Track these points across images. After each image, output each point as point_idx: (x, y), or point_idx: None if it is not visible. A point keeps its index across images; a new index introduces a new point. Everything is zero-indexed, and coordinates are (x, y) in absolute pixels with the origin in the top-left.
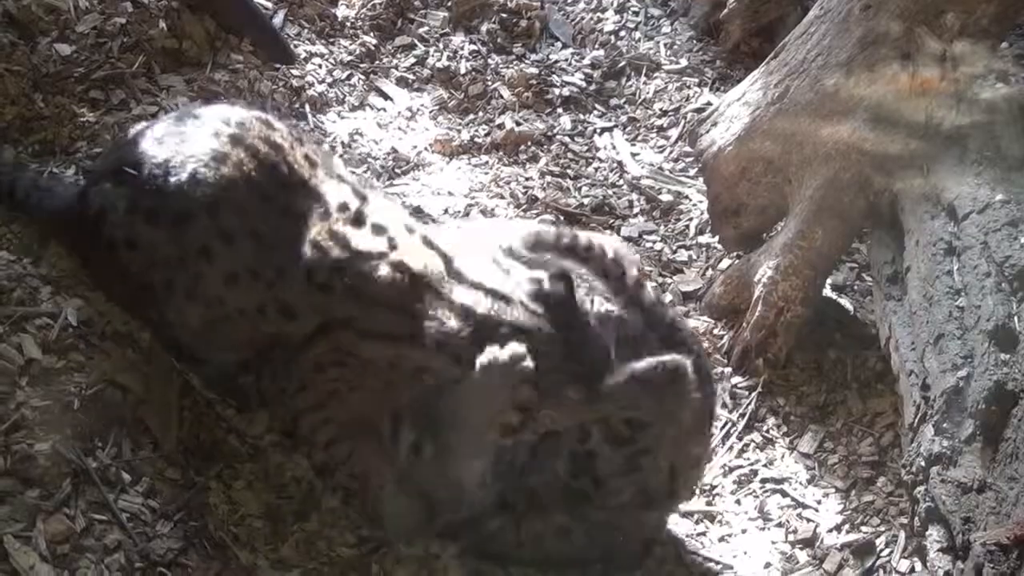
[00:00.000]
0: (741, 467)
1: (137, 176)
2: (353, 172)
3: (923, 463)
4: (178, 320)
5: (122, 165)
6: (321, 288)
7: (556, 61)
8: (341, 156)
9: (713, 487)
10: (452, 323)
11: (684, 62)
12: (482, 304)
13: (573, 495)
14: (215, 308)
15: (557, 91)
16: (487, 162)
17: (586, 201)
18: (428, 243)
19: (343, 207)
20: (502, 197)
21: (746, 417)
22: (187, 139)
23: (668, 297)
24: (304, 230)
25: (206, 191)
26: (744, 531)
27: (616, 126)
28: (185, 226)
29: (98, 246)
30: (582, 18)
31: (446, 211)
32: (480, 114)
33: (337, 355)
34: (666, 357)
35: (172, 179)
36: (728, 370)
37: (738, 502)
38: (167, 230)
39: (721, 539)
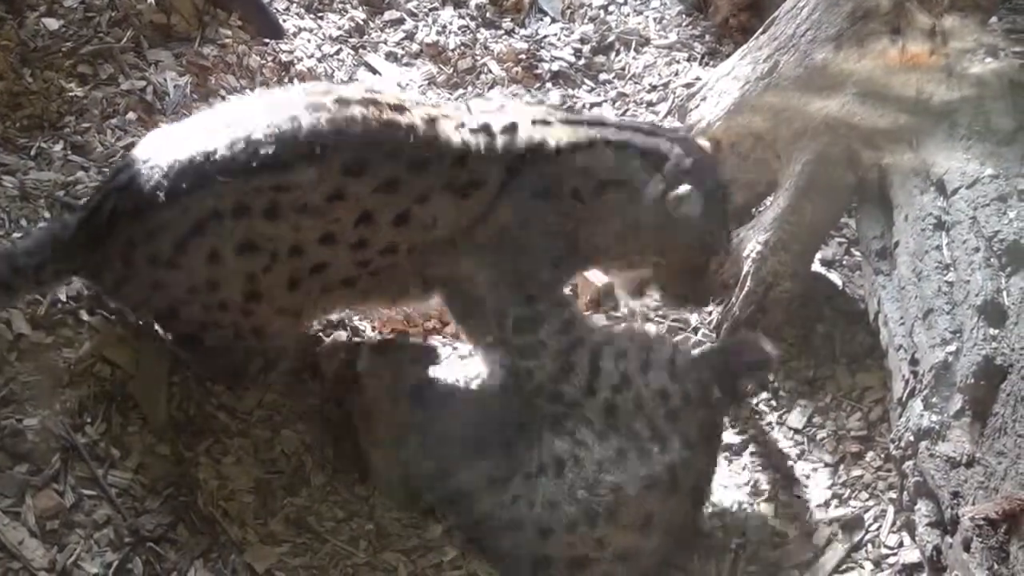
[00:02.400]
0: (731, 442)
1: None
2: None
3: (912, 438)
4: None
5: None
6: None
7: (545, 36)
8: None
9: None
10: None
11: (673, 37)
12: None
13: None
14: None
15: (546, 66)
16: None
17: None
18: None
19: None
20: None
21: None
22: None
23: None
24: None
25: None
26: (734, 506)
27: (605, 101)
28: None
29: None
30: None
31: None
32: (469, 89)
33: None
34: None
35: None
36: None
37: (729, 477)
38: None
39: (712, 514)
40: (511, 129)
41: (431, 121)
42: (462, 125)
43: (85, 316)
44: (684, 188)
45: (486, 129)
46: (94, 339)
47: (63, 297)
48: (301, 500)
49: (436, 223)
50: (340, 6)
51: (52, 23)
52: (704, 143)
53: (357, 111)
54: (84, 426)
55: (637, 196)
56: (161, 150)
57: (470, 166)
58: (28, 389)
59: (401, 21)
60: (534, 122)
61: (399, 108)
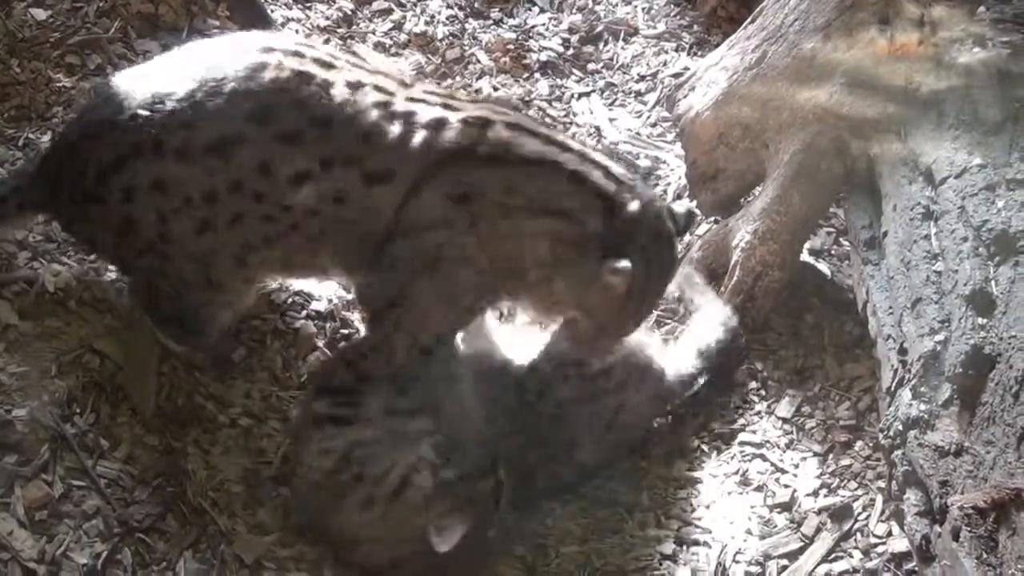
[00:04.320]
0: (720, 432)
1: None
2: None
3: (900, 427)
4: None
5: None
6: None
7: (534, 26)
8: None
9: (693, 451)
10: None
11: (662, 27)
12: None
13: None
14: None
15: (535, 56)
16: None
17: None
18: None
19: None
20: None
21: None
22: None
23: None
24: None
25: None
26: (723, 495)
27: (594, 91)
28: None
29: (103, 198)
30: None
31: None
32: (458, 79)
33: None
34: None
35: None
36: None
37: (718, 466)
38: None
39: (701, 504)
40: (437, 125)
41: (355, 85)
42: (386, 105)
43: (74, 307)
44: (623, 263)
45: (407, 117)
46: (83, 330)
47: (51, 288)
48: (289, 490)
49: (344, 202)
50: None
51: (40, 13)
52: (680, 208)
53: (275, 58)
54: (73, 417)
55: (574, 236)
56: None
57: (374, 151)
58: (17, 380)
59: (389, 11)
60: (471, 122)
61: (326, 64)
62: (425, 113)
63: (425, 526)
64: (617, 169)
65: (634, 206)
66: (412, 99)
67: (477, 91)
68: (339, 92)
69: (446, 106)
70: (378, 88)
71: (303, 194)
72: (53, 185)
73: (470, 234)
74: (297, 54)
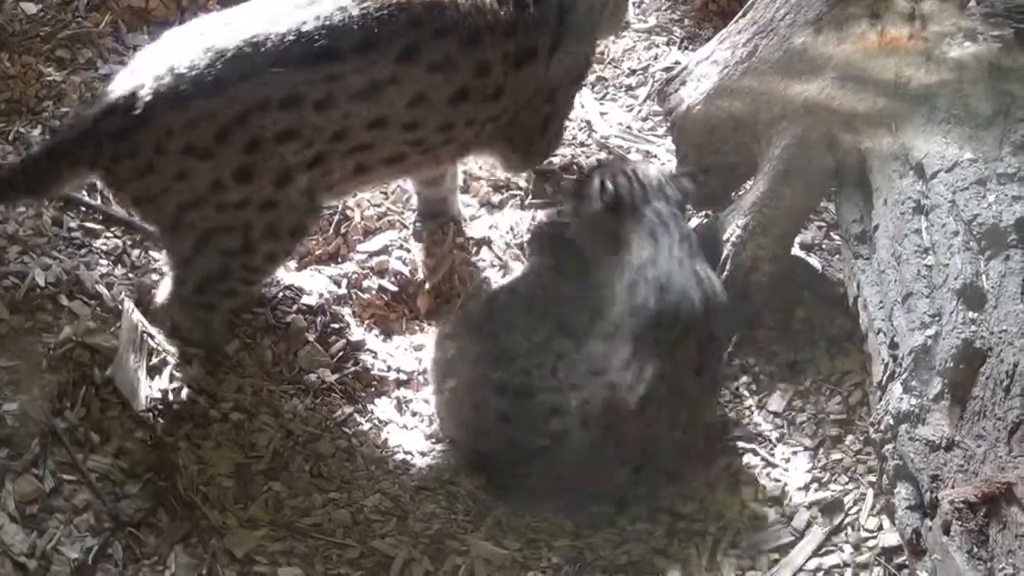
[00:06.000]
0: (711, 425)
1: None
2: None
3: (891, 421)
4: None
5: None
6: None
7: None
8: None
9: (684, 446)
10: None
11: (652, 21)
12: None
13: None
14: None
15: None
16: None
17: (555, 160)
18: None
19: None
20: None
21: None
22: None
23: None
24: None
25: None
26: (714, 489)
27: (584, 85)
28: None
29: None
30: None
31: None
32: None
33: None
34: None
35: None
36: None
37: (708, 460)
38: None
39: (692, 498)
40: None
41: None
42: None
43: (64, 301)
44: None
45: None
46: (73, 324)
47: (41, 282)
48: (280, 485)
49: (499, 96)
50: None
51: (30, 7)
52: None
53: None
54: (63, 411)
55: None
56: (196, 44)
57: (521, 32)
58: (7, 374)
59: None
60: None
61: None
62: None
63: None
64: None
65: None
66: None
67: None
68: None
69: None
70: None
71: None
72: (124, 139)
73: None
74: None
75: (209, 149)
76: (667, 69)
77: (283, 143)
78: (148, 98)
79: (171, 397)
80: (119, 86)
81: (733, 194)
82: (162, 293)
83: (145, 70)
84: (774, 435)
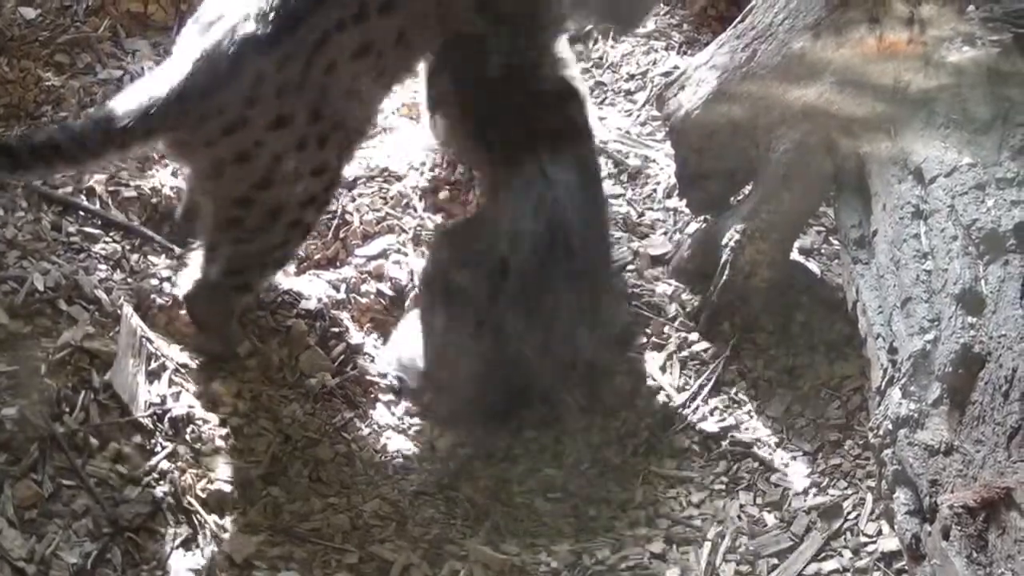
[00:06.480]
0: (710, 431)
1: None
2: None
3: (890, 426)
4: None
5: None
6: None
7: None
8: None
9: (683, 450)
10: None
11: (651, 26)
12: None
13: None
14: None
15: None
16: None
17: None
18: None
19: None
20: None
21: (713, 381)
22: None
23: (636, 260)
24: None
25: None
26: (713, 494)
27: None
28: None
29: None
30: None
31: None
32: None
33: None
34: None
35: None
36: (696, 335)
37: (707, 465)
38: None
39: (691, 503)
40: None
41: None
42: None
43: (63, 306)
44: None
45: None
46: (72, 329)
47: (40, 287)
48: (279, 490)
49: None
50: None
51: (29, 12)
52: None
53: None
54: (62, 416)
55: None
56: None
57: None
58: (6, 379)
59: None
60: None
61: None
62: None
63: None
64: None
65: None
66: None
67: None
68: None
69: None
70: None
71: None
72: (211, 96)
73: None
74: None
75: (299, 83)
76: (666, 74)
77: (358, 59)
78: (233, 49)
79: (170, 402)
80: (192, 46)
81: (732, 199)
82: (185, 283)
83: (217, 25)
84: (773, 440)
